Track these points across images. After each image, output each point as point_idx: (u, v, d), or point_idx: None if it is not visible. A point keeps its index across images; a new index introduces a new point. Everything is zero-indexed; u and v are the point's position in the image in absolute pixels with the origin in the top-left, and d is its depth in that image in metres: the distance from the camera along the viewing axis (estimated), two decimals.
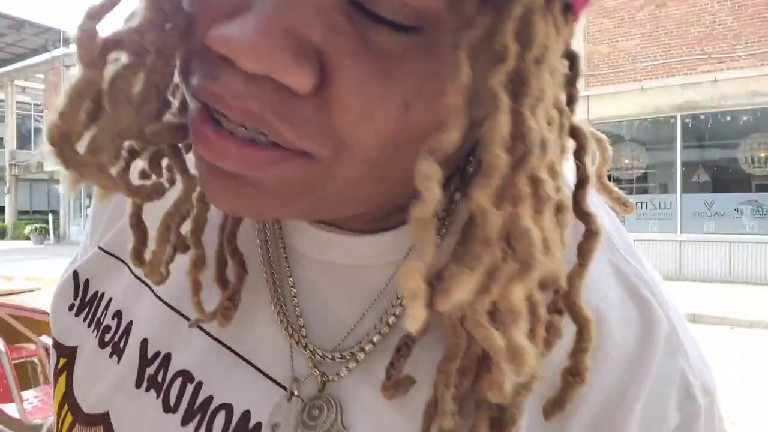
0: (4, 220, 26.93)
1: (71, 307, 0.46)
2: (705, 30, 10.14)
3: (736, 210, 10.12)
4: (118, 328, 0.41)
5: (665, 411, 0.33)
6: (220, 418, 0.34)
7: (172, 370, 0.37)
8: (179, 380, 0.37)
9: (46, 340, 2.41)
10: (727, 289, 9.23)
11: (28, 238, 24.07)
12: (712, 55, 10.07)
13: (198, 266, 0.36)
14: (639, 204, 11.10)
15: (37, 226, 24.07)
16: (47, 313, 3.03)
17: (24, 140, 28.96)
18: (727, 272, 10.09)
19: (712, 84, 10.03)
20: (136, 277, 0.43)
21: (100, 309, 0.44)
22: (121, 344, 0.40)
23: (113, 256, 0.46)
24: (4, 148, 27.14)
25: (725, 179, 10.49)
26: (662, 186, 11.03)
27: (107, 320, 0.43)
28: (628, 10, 10.91)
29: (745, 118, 10.17)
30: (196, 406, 0.36)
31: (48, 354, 2.40)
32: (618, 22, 11.02)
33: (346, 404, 0.33)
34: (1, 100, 28.11)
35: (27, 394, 2.79)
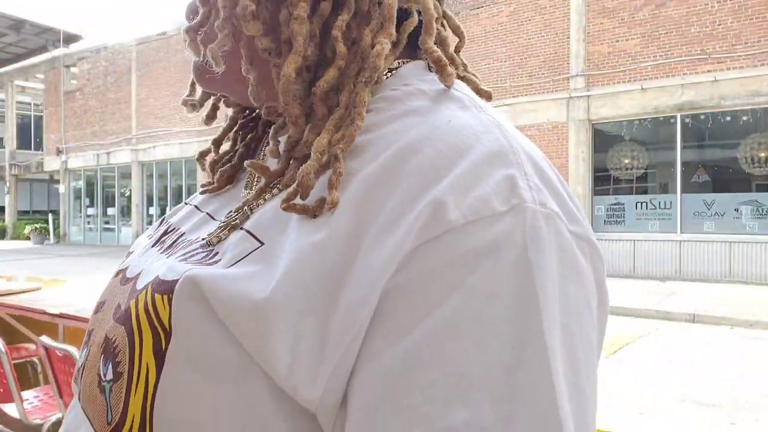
0: (4, 220, 26.92)
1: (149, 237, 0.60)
2: (705, 30, 10.14)
3: (736, 210, 10.12)
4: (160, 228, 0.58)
5: (402, 222, 0.33)
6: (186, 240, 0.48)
7: (176, 234, 0.52)
8: (174, 235, 0.52)
9: (46, 340, 2.41)
10: (727, 289, 9.23)
11: (28, 238, 24.06)
12: (712, 55, 10.07)
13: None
14: (639, 204, 11.11)
15: (37, 226, 24.07)
16: (47, 313, 3.04)
17: (24, 140, 28.95)
18: (727, 272, 10.08)
19: (712, 84, 10.03)
20: (188, 203, 0.58)
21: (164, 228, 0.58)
22: (157, 233, 0.56)
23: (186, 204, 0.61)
24: (4, 148, 27.13)
25: (725, 179, 10.48)
26: (662, 186, 11.03)
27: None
28: (628, 10, 10.91)
29: (744, 118, 10.16)
30: (173, 242, 0.50)
31: (48, 354, 2.40)
32: (618, 22, 11.02)
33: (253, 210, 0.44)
34: (1, 100, 28.11)
35: (27, 394, 2.79)
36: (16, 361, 2.75)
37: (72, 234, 23.76)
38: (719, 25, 10.02)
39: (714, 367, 5.34)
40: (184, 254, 0.44)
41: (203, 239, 0.45)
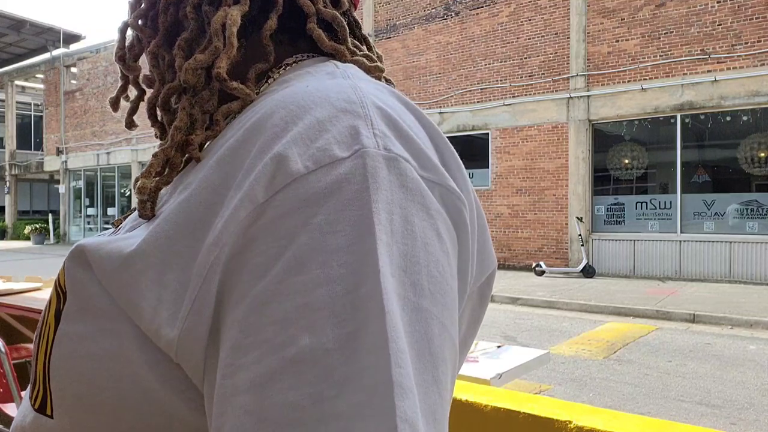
0: (4, 220, 26.91)
1: None
2: (705, 30, 10.14)
3: (736, 210, 10.12)
4: None
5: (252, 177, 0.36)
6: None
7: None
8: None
9: None
10: (727, 289, 9.23)
11: (28, 238, 24.06)
12: (712, 55, 10.07)
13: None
14: (639, 204, 11.11)
15: (37, 226, 24.06)
16: None
17: (24, 140, 28.95)
18: (727, 272, 10.09)
19: (712, 84, 10.03)
20: None
21: None
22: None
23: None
24: (4, 148, 27.13)
25: (725, 179, 10.48)
26: (662, 186, 11.03)
27: None
28: (628, 10, 10.91)
29: (744, 118, 10.16)
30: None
31: None
32: (618, 22, 11.02)
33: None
34: (1, 100, 28.10)
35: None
36: (16, 361, 2.75)
37: (72, 234, 23.75)
38: (719, 25, 10.02)
39: (714, 367, 5.34)
40: (98, 235, 0.50)
41: (113, 222, 0.52)
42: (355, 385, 0.30)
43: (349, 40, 0.51)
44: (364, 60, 0.51)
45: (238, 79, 0.46)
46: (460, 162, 0.44)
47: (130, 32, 0.55)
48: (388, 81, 0.54)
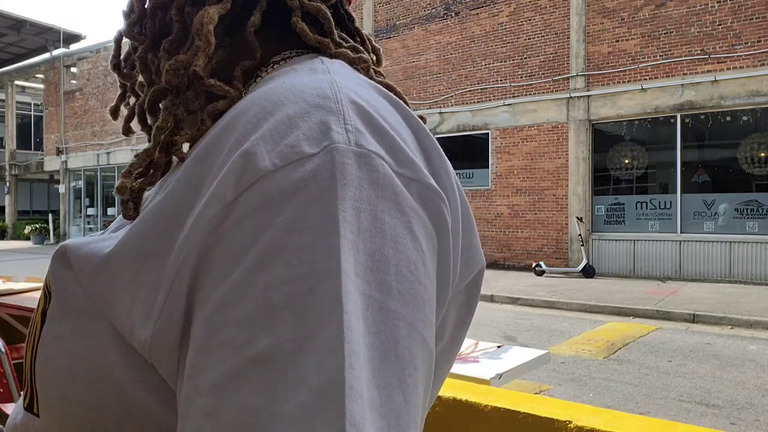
0: (4, 220, 26.91)
1: None
2: (705, 30, 10.14)
3: (736, 210, 10.12)
4: None
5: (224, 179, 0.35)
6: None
7: None
8: None
9: None
10: (727, 289, 9.23)
11: (28, 238, 24.06)
12: (712, 55, 10.07)
13: None
14: (639, 204, 11.11)
15: (37, 226, 24.06)
16: None
17: (24, 140, 28.94)
18: (727, 272, 10.08)
19: (712, 84, 10.03)
20: None
21: None
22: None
23: None
24: (4, 148, 27.12)
25: (725, 179, 10.48)
26: (662, 186, 11.03)
27: None
28: (628, 10, 10.91)
29: (744, 118, 10.16)
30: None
31: None
32: (618, 22, 11.02)
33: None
34: (1, 100, 28.10)
35: None
36: (16, 361, 2.75)
37: (72, 234, 23.74)
38: (719, 25, 10.02)
39: (714, 367, 5.34)
40: (88, 237, 0.51)
41: (104, 223, 0.52)
42: (306, 386, 0.29)
43: (335, 32, 0.50)
44: (348, 52, 0.50)
45: (226, 78, 0.46)
46: (447, 160, 0.43)
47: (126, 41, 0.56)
48: (377, 73, 0.53)
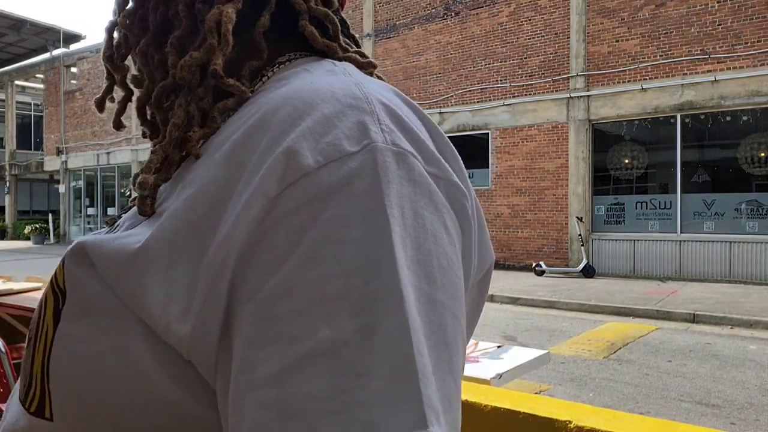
0: (4, 220, 26.91)
1: None
2: (705, 30, 10.14)
3: (736, 210, 10.12)
4: None
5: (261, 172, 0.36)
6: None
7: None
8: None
9: None
10: (727, 289, 9.23)
11: (28, 238, 24.06)
12: (712, 55, 10.07)
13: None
14: (639, 204, 11.11)
15: (37, 226, 24.07)
16: None
17: (24, 140, 28.94)
18: (727, 272, 10.09)
19: (712, 84, 10.03)
20: None
21: None
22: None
23: None
24: (4, 148, 27.12)
25: (725, 179, 10.48)
26: (662, 186, 11.03)
27: None
28: (628, 10, 10.91)
29: (744, 118, 10.16)
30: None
31: None
32: (618, 22, 11.02)
33: None
34: (1, 100, 28.10)
35: None
36: (16, 361, 2.75)
37: (72, 234, 23.75)
38: (719, 25, 10.02)
39: (714, 367, 5.34)
40: (94, 233, 0.50)
41: (107, 220, 0.52)
42: (378, 374, 0.30)
43: (341, 37, 0.52)
44: (357, 57, 0.51)
45: (232, 76, 0.46)
46: (459, 159, 0.44)
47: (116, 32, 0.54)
48: (380, 77, 0.54)
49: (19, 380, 0.50)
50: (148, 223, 0.41)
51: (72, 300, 0.42)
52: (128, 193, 21.39)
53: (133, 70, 0.54)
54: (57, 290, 0.43)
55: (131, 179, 0.51)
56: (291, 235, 0.34)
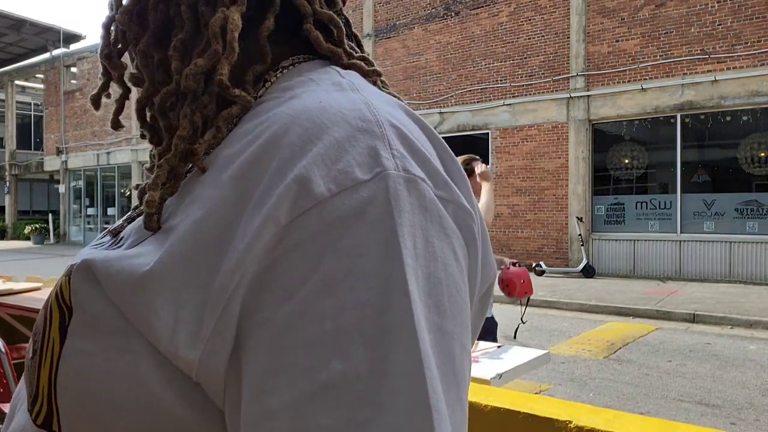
0: (4, 220, 26.91)
1: None
2: (705, 30, 10.14)
3: (736, 210, 10.12)
4: None
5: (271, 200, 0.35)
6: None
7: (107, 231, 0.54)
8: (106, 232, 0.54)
9: None
10: (727, 289, 9.23)
11: (28, 238, 24.06)
12: (712, 55, 10.07)
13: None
14: (639, 204, 11.11)
15: (37, 226, 24.06)
16: None
17: (24, 140, 28.94)
18: (727, 272, 10.08)
19: (712, 84, 10.03)
20: None
21: None
22: None
23: None
24: (4, 148, 27.12)
25: (725, 179, 10.48)
26: (662, 186, 11.03)
27: None
28: (628, 10, 10.91)
29: (744, 118, 10.16)
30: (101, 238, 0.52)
31: None
32: (618, 22, 11.02)
33: None
34: (1, 100, 28.10)
35: None
36: (16, 361, 2.75)
37: (72, 234, 23.75)
38: (719, 25, 10.02)
39: (714, 367, 5.34)
40: (96, 244, 0.49)
41: (111, 229, 0.51)
42: (391, 409, 0.31)
43: (345, 42, 0.51)
44: (362, 64, 0.50)
45: (235, 81, 0.45)
46: (464, 172, 0.44)
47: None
48: (383, 83, 0.53)
49: (22, 383, 0.49)
50: (155, 239, 0.41)
51: (78, 317, 0.42)
52: (129, 193, 21.38)
53: (131, 68, 0.53)
54: (63, 305, 0.43)
55: (136, 191, 0.50)
56: (304, 264, 0.34)
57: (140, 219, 0.44)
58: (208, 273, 0.36)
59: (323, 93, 0.42)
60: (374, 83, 0.51)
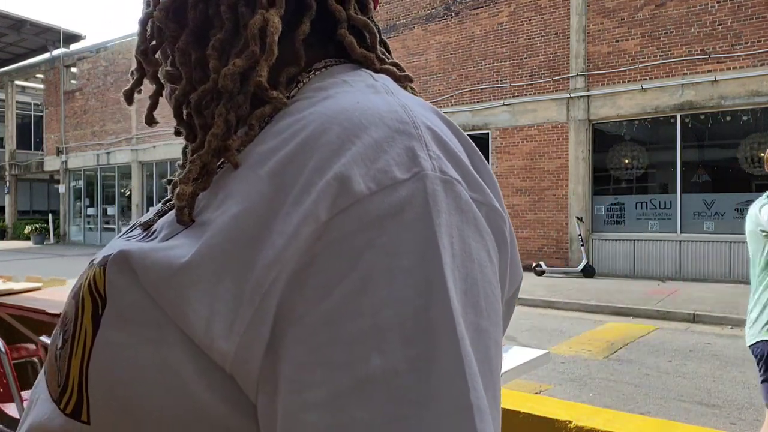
0: (4, 220, 26.91)
1: None
2: (705, 30, 10.14)
3: (736, 210, 10.12)
4: None
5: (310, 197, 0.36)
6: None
7: (135, 223, 0.55)
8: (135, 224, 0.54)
9: (46, 340, 2.41)
10: (727, 289, 9.23)
11: (28, 238, 24.06)
12: (712, 55, 10.07)
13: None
14: (639, 204, 11.11)
15: (37, 226, 24.06)
16: (47, 313, 3.03)
17: (24, 140, 28.94)
18: (727, 272, 10.08)
19: (712, 84, 10.03)
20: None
21: None
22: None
23: None
24: (4, 148, 27.12)
25: (725, 179, 10.48)
26: (662, 186, 11.03)
27: None
28: (628, 10, 10.91)
29: (744, 118, 10.16)
30: (130, 229, 0.53)
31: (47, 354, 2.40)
32: (618, 22, 11.02)
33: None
34: (1, 100, 28.10)
35: (27, 394, 2.79)
36: (16, 361, 2.75)
37: (72, 234, 23.75)
38: (719, 25, 10.02)
39: (714, 367, 5.34)
40: (127, 236, 0.50)
41: (143, 222, 0.51)
42: (433, 407, 0.31)
43: (378, 47, 0.51)
44: (395, 69, 0.51)
45: (270, 82, 0.46)
46: (493, 175, 0.44)
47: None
48: (413, 90, 0.54)
49: (42, 373, 0.49)
50: (189, 232, 0.41)
51: (113, 307, 0.42)
52: (128, 193, 21.38)
53: (165, 64, 0.53)
54: (96, 295, 0.43)
55: (168, 185, 0.50)
56: (343, 261, 0.34)
57: (172, 213, 0.45)
58: (244, 267, 0.36)
59: (359, 94, 0.43)
60: (404, 88, 0.51)
